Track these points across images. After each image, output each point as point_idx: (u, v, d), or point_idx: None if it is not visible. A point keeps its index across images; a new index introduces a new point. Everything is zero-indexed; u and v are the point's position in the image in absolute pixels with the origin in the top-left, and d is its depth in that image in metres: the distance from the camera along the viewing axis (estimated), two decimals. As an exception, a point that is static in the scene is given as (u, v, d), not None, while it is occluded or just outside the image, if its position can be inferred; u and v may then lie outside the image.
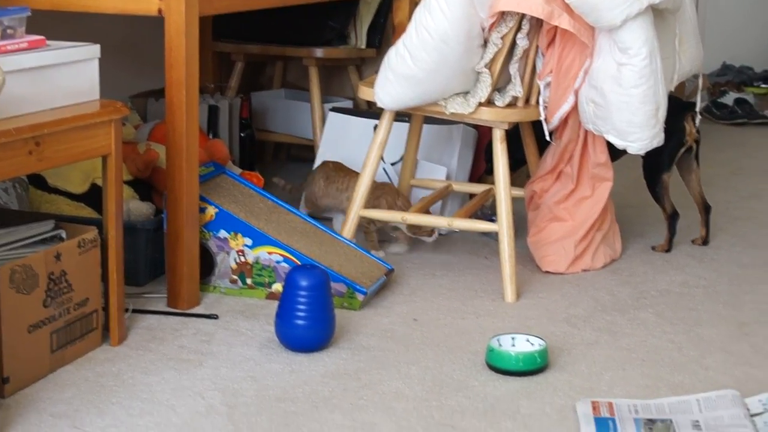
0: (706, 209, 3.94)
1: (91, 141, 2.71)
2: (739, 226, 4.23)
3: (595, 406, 2.49)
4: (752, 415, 2.45)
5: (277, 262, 3.17)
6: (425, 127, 3.85)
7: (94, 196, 3.34)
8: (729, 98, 7.00)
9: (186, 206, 3.05)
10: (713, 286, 3.46)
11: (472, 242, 3.85)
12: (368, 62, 4.78)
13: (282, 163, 5.01)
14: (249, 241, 3.18)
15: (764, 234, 4.12)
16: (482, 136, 4.17)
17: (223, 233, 3.19)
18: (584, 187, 3.54)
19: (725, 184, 4.92)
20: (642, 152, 3.20)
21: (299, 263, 3.12)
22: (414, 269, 3.53)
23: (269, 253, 3.17)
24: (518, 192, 3.72)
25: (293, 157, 5.07)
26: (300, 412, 2.47)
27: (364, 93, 3.40)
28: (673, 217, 3.81)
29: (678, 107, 3.69)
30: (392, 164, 4.00)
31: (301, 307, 2.79)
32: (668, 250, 3.80)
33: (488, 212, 3.89)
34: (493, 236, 3.48)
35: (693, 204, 3.93)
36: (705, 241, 3.92)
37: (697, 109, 3.70)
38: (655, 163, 3.75)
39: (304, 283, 2.80)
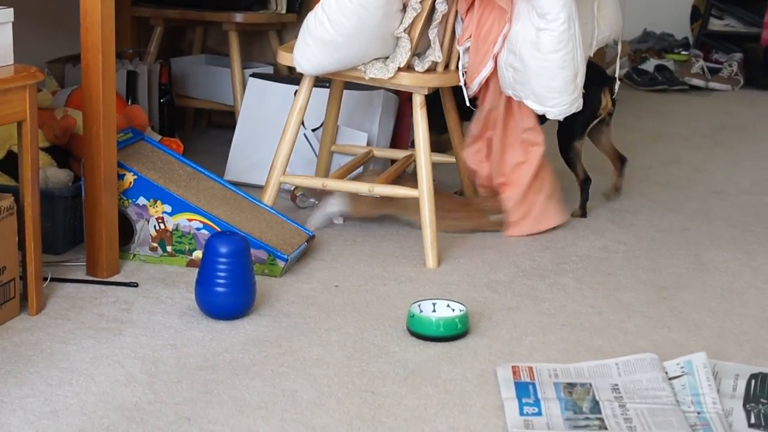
0: (621, 160, 3.99)
1: (5, 107, 2.66)
2: (658, 191, 4.27)
3: (515, 371, 2.50)
4: (670, 378, 2.47)
5: (197, 229, 3.14)
6: (346, 92, 3.83)
7: (10, 163, 3.29)
8: (649, 65, 7.07)
9: (104, 173, 3.01)
10: (633, 251, 3.49)
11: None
12: (289, 27, 4.75)
13: (203, 130, 4.98)
14: (168, 208, 3.14)
15: (683, 199, 4.16)
16: (403, 101, 4.16)
17: (142, 200, 3.16)
18: (517, 153, 3.54)
19: (645, 150, 4.96)
20: (561, 117, 3.20)
21: (219, 230, 3.10)
22: (335, 236, 3.52)
23: (189, 220, 3.14)
24: (439, 158, 3.72)
25: (214, 124, 5.04)
26: (220, 380, 2.45)
27: (283, 58, 3.37)
28: (585, 183, 3.84)
29: (597, 78, 3.70)
30: (313, 130, 3.98)
31: (221, 274, 2.77)
32: (583, 215, 3.83)
33: (410, 178, 3.89)
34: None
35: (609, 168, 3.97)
36: (618, 190, 3.97)
37: (616, 75, 3.72)
38: (568, 131, 3.78)
39: (223, 249, 2.77)
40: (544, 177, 3.60)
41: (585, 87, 3.32)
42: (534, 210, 3.58)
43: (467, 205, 3.66)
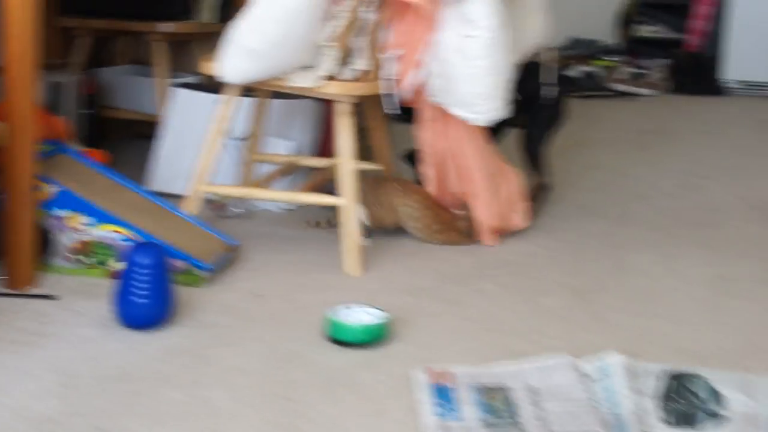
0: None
1: None
2: (581, 196, 4.30)
3: (432, 375, 2.51)
4: (587, 380, 2.49)
5: (119, 240, 3.12)
6: (272, 102, 3.83)
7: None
8: (577, 71, 7.12)
9: (23, 185, 2.99)
10: (555, 255, 3.52)
11: (318, 217, 3.84)
12: (215, 37, 4.72)
13: (128, 141, 4.95)
14: (88, 220, 3.13)
15: (606, 203, 4.20)
16: (329, 110, 4.16)
17: (62, 212, 3.14)
18: (473, 162, 3.56)
19: (570, 155, 5.00)
20: (488, 124, 3.22)
21: (140, 240, 3.08)
22: (259, 245, 3.51)
23: (110, 231, 3.13)
24: (364, 165, 3.73)
25: (139, 134, 5.01)
26: (139, 391, 2.44)
27: (207, 68, 3.37)
28: (543, 188, 3.92)
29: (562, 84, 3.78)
30: (238, 139, 3.97)
31: (140, 284, 2.75)
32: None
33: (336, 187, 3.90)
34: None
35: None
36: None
37: (553, 81, 3.75)
38: (538, 138, 3.84)
39: (142, 260, 2.76)
40: (508, 180, 3.62)
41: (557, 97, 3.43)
42: (502, 214, 3.62)
43: (451, 223, 3.63)
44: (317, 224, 3.68)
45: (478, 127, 3.45)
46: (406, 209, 3.55)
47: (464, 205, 3.60)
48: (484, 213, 3.55)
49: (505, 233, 3.65)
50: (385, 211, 3.58)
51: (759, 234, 3.87)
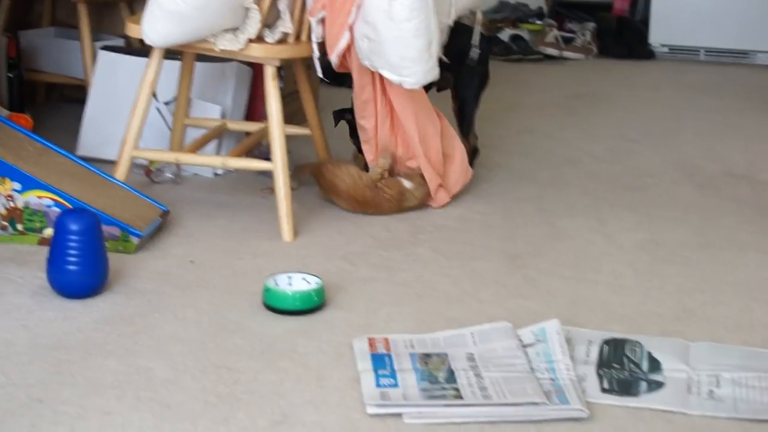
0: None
1: None
2: (512, 160, 4.31)
3: (371, 343, 2.50)
4: (524, 346, 2.50)
5: (48, 206, 3.08)
6: (198, 65, 3.79)
7: None
8: (504, 34, 7.12)
9: (-51, 150, 2.93)
10: (488, 220, 3.52)
11: (249, 182, 3.82)
12: (140, -1, 4.67)
13: (54, 105, 4.87)
14: (18, 186, 3.07)
15: (537, 168, 4.21)
16: (257, 73, 4.12)
17: (-10, 178, 3.09)
18: (416, 124, 3.53)
19: (500, 120, 5.01)
20: (417, 87, 3.20)
21: (70, 207, 3.04)
22: (190, 210, 3.48)
23: (39, 197, 3.07)
24: (293, 130, 3.70)
25: (66, 98, 4.94)
26: (73, 360, 2.41)
27: (132, 30, 3.32)
28: (474, 153, 3.92)
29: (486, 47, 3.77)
30: (165, 104, 3.92)
31: (72, 252, 2.71)
32: None
33: (266, 151, 3.86)
34: (270, 175, 3.44)
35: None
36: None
37: (476, 43, 3.73)
38: (469, 101, 3.83)
39: (74, 227, 2.72)
40: (451, 138, 3.63)
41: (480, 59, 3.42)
42: (449, 174, 3.63)
43: (378, 195, 3.52)
44: (270, 190, 3.61)
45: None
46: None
47: (411, 171, 3.57)
48: (427, 174, 3.53)
49: (453, 195, 3.65)
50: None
51: (689, 197, 3.90)
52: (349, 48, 3.29)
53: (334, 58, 3.31)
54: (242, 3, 3.15)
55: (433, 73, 3.21)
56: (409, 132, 3.48)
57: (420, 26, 3.10)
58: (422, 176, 3.53)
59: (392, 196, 3.48)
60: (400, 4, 3.08)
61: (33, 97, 4.75)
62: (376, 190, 3.47)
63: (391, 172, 3.54)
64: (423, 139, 3.51)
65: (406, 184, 3.51)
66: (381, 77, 3.35)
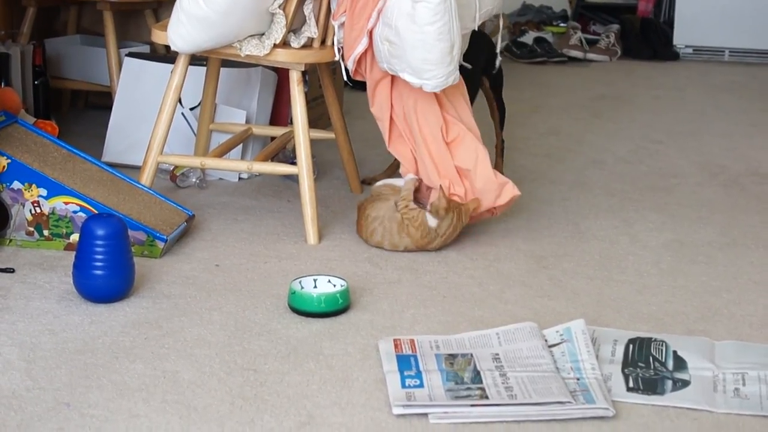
0: (502, 143, 4.03)
1: None
2: (537, 162, 4.31)
3: (397, 344, 2.51)
4: (550, 346, 2.50)
5: (74, 212, 3.09)
6: (223, 70, 3.81)
7: None
8: (528, 37, 7.13)
9: (-24, 157, 2.96)
10: (512, 222, 3.52)
11: (274, 186, 3.83)
12: (165, 5, 4.69)
13: (80, 111, 4.90)
14: (44, 192, 3.09)
15: (561, 169, 4.21)
16: (282, 78, 4.14)
17: (16, 184, 3.10)
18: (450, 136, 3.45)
19: (524, 122, 5.01)
20: (438, 90, 3.19)
21: (96, 212, 3.06)
22: (215, 214, 3.49)
23: (65, 203, 3.09)
24: (318, 134, 3.71)
25: (91, 105, 4.97)
26: (100, 364, 2.42)
27: (158, 37, 3.34)
28: None
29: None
30: (191, 109, 3.94)
31: (99, 257, 2.73)
32: None
33: (291, 155, 3.88)
34: (295, 179, 3.46)
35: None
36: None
37: (498, 50, 3.72)
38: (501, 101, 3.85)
39: (100, 232, 2.74)
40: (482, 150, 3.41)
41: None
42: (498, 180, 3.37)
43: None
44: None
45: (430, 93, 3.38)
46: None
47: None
48: (488, 184, 3.33)
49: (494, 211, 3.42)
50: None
51: (714, 198, 3.89)
52: (365, 54, 3.29)
53: (350, 63, 3.30)
54: (268, 8, 3.16)
55: (454, 77, 3.20)
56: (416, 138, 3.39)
57: (443, 29, 3.10)
58: (448, 204, 3.21)
59: (413, 236, 3.21)
60: (424, 7, 3.08)
61: (59, 104, 4.79)
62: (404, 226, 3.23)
63: (419, 195, 3.32)
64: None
65: (431, 221, 3.20)
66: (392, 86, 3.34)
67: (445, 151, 3.31)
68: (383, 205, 3.24)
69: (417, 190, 3.29)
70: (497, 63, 3.73)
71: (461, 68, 3.30)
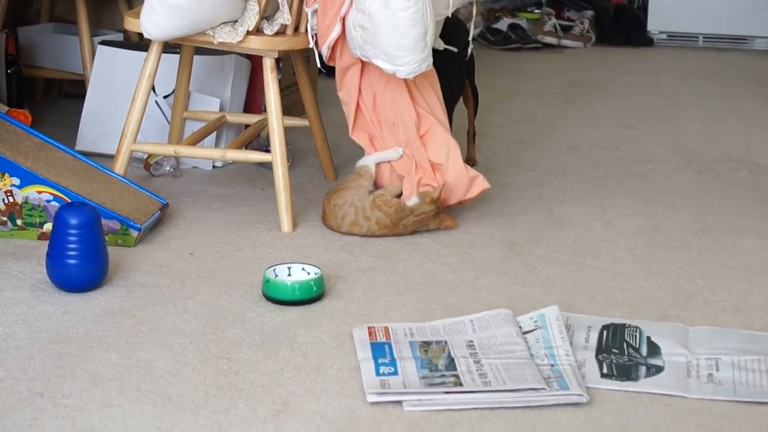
0: (473, 132, 4.03)
1: None
2: (512, 148, 4.31)
3: (371, 332, 2.51)
4: (524, 333, 2.50)
5: (48, 201, 3.08)
6: (197, 58, 3.79)
7: None
8: (503, 24, 7.11)
9: (-53, 147, 2.94)
10: (487, 208, 3.52)
11: (248, 174, 3.82)
12: (139, -7, 4.67)
13: (53, 100, 4.88)
14: (17, 181, 3.08)
15: (535, 156, 4.21)
16: (255, 65, 4.12)
17: (-11, 173, 3.09)
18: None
19: (499, 109, 5.01)
20: (411, 76, 3.19)
21: (69, 201, 3.04)
22: (189, 203, 3.48)
23: (39, 192, 3.08)
24: (292, 121, 3.70)
25: (65, 93, 4.94)
26: (74, 353, 2.42)
27: (131, 24, 3.32)
28: None
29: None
30: (164, 97, 3.93)
31: (72, 246, 2.72)
32: None
33: (265, 143, 3.87)
34: (269, 167, 3.45)
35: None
36: (473, 161, 4.01)
37: (470, 37, 3.71)
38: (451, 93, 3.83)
39: (73, 221, 2.73)
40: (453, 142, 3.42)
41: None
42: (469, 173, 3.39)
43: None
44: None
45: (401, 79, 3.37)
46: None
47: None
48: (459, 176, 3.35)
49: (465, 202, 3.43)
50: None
51: (688, 183, 3.90)
52: (338, 40, 3.28)
53: (324, 49, 3.29)
54: (240, -5, 3.16)
55: (427, 63, 3.20)
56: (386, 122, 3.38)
57: (416, 15, 3.10)
58: (438, 201, 3.24)
59: (389, 215, 3.22)
60: (398, -8, 3.08)
61: (32, 92, 4.76)
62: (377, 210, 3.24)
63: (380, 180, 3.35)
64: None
65: (411, 201, 3.23)
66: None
67: (418, 143, 3.31)
68: (348, 192, 3.25)
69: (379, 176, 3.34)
70: (469, 50, 3.72)
71: (447, 53, 3.32)
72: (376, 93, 3.32)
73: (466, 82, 3.92)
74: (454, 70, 3.63)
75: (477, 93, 4.00)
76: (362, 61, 3.30)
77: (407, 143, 3.33)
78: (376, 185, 3.33)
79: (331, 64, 3.39)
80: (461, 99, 3.90)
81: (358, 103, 3.38)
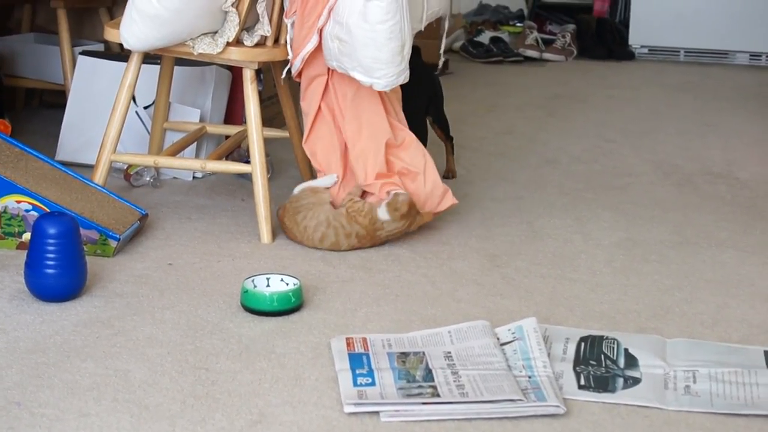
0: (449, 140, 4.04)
1: None
2: (492, 161, 4.33)
3: (349, 342, 2.51)
4: (502, 344, 2.51)
5: (26, 210, 3.07)
6: (177, 69, 3.80)
7: None
8: (485, 37, 7.15)
9: (-74, 156, 2.93)
10: (466, 221, 3.52)
11: (228, 185, 3.83)
12: (119, 4, 4.67)
13: (34, 110, 4.87)
14: (-5, 190, 3.08)
15: (516, 168, 4.22)
16: (236, 77, 4.13)
17: (-32, 183, 3.08)
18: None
19: (479, 121, 5.02)
20: (388, 89, 3.19)
21: (48, 211, 3.04)
22: (169, 213, 3.48)
23: (17, 201, 3.07)
24: (272, 133, 3.71)
25: (46, 103, 4.94)
26: (51, 363, 2.41)
27: (111, 35, 3.32)
28: None
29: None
30: (145, 108, 3.93)
31: (50, 255, 2.72)
32: None
33: (245, 154, 3.87)
34: (249, 178, 3.45)
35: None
36: (453, 173, 4.02)
37: (441, 52, 3.71)
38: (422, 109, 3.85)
39: (51, 230, 2.72)
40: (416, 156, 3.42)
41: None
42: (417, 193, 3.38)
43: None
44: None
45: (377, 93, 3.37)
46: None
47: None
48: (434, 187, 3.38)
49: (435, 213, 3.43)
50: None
51: (667, 197, 3.91)
52: (314, 53, 3.28)
53: (298, 62, 3.28)
54: (221, 6, 3.16)
55: (404, 76, 3.20)
56: (347, 133, 3.38)
57: (394, 28, 3.10)
58: (408, 211, 3.23)
59: (365, 227, 3.21)
60: (377, 5, 3.08)
61: (12, 102, 4.75)
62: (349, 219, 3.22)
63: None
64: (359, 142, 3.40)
65: (381, 214, 3.21)
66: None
67: (381, 158, 3.30)
68: (318, 210, 3.22)
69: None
70: (438, 69, 3.74)
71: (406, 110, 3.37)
72: (343, 107, 3.32)
73: (441, 133, 3.96)
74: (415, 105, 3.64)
75: (446, 122, 4.00)
76: (328, 74, 3.31)
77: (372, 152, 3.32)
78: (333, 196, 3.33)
79: (298, 80, 3.39)
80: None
81: (316, 116, 3.38)
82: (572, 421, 2.24)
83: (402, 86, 3.30)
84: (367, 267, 3.08)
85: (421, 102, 3.80)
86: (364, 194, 3.29)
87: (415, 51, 3.43)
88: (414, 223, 3.24)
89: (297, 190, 3.33)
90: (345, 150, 3.35)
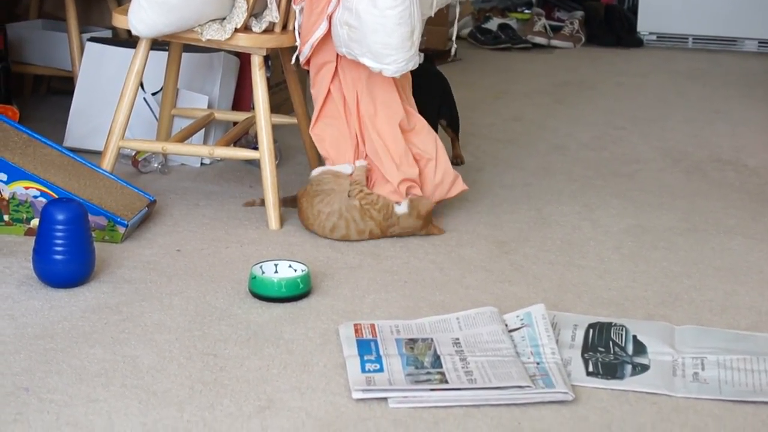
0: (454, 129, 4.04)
1: None
2: (500, 148, 4.32)
3: (357, 329, 2.51)
4: (510, 331, 2.51)
5: (35, 197, 3.08)
6: (186, 55, 3.79)
7: None
8: (493, 23, 7.13)
9: (-66, 142, 2.93)
10: (474, 207, 3.52)
11: (236, 171, 3.82)
12: (128, -10, 4.66)
13: (42, 96, 4.87)
14: (4, 177, 3.07)
15: (525, 155, 4.22)
16: (244, 63, 4.12)
17: (-24, 169, 3.09)
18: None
19: (488, 108, 5.01)
20: (398, 75, 3.18)
21: (56, 197, 3.04)
22: (177, 200, 3.48)
23: (25, 188, 3.08)
24: (280, 119, 3.70)
25: (54, 90, 4.94)
26: (60, 349, 2.41)
27: (119, 21, 3.32)
28: None
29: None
30: (153, 94, 3.93)
31: (59, 241, 2.72)
32: None
33: (253, 140, 3.87)
34: (257, 164, 3.45)
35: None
36: (460, 159, 4.02)
37: (454, 37, 3.70)
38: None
39: (60, 216, 2.72)
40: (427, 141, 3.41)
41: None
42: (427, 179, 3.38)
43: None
44: (254, 203, 3.52)
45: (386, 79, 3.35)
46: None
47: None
48: (445, 173, 3.37)
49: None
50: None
51: (676, 184, 3.90)
52: (323, 39, 3.27)
53: (307, 49, 3.27)
54: (228, -7, 3.15)
55: (414, 61, 3.20)
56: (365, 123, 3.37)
57: (404, 14, 3.09)
58: (426, 216, 3.23)
59: (379, 223, 3.20)
60: (387, -10, 3.08)
61: (21, 89, 4.75)
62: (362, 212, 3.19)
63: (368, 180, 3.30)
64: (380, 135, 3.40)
65: (399, 209, 3.21)
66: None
67: (400, 137, 3.30)
68: (334, 198, 3.20)
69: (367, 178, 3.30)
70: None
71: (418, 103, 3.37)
72: (359, 92, 3.31)
73: (451, 132, 3.97)
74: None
75: (457, 119, 4.01)
76: (337, 60, 3.30)
77: (387, 138, 3.31)
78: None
79: (306, 68, 3.38)
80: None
81: (325, 101, 3.37)
82: (580, 408, 2.24)
83: (414, 92, 3.32)
84: (375, 253, 3.07)
85: (433, 108, 3.80)
86: (368, 179, 3.27)
87: (427, 58, 3.44)
88: (425, 228, 3.23)
89: (316, 172, 3.32)
90: (356, 137, 3.34)
